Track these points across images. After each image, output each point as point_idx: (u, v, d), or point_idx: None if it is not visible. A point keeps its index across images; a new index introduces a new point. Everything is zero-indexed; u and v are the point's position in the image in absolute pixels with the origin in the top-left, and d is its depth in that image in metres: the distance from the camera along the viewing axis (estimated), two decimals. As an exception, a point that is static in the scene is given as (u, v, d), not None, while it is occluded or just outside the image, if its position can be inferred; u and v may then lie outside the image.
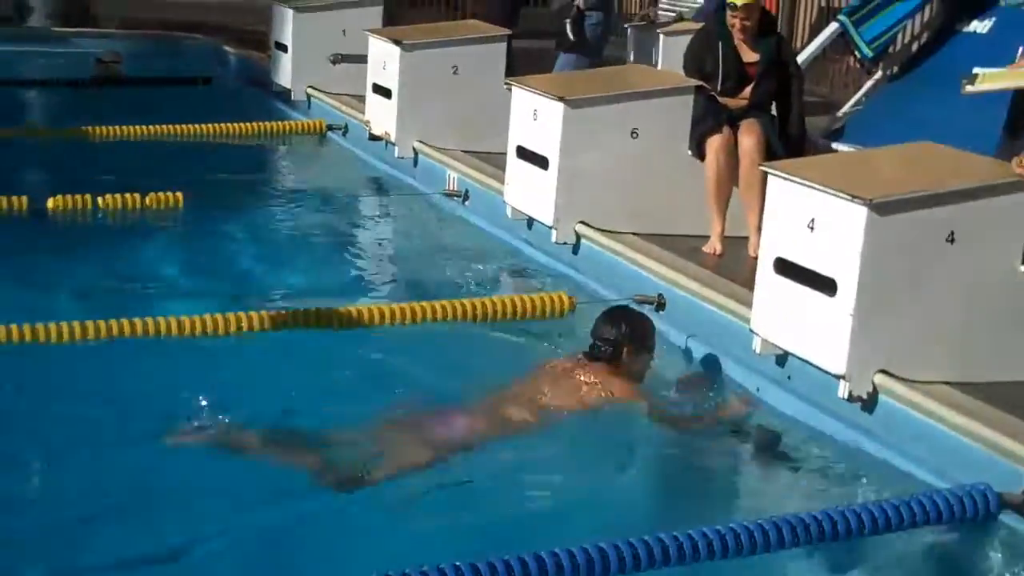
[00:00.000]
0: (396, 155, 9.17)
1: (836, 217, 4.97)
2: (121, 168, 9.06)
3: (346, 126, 10.29)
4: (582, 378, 5.17)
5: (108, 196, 7.93)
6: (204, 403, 4.90)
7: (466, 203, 8.38)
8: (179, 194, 8.08)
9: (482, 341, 6.11)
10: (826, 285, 5.01)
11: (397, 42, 9.07)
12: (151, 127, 10.05)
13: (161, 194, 8.03)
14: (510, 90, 7.54)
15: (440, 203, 8.57)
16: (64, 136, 10.03)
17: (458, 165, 8.59)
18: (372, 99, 9.45)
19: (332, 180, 9.58)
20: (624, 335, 5.27)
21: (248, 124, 10.37)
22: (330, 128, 10.44)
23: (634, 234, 6.90)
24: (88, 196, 7.89)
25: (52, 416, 5.05)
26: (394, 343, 6.01)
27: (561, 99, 6.98)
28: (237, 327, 5.92)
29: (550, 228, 7.08)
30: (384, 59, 9.22)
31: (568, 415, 5.05)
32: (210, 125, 10.23)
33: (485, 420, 4.94)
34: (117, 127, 9.99)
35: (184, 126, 10.14)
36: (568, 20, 9.17)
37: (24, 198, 7.81)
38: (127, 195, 7.97)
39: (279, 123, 10.61)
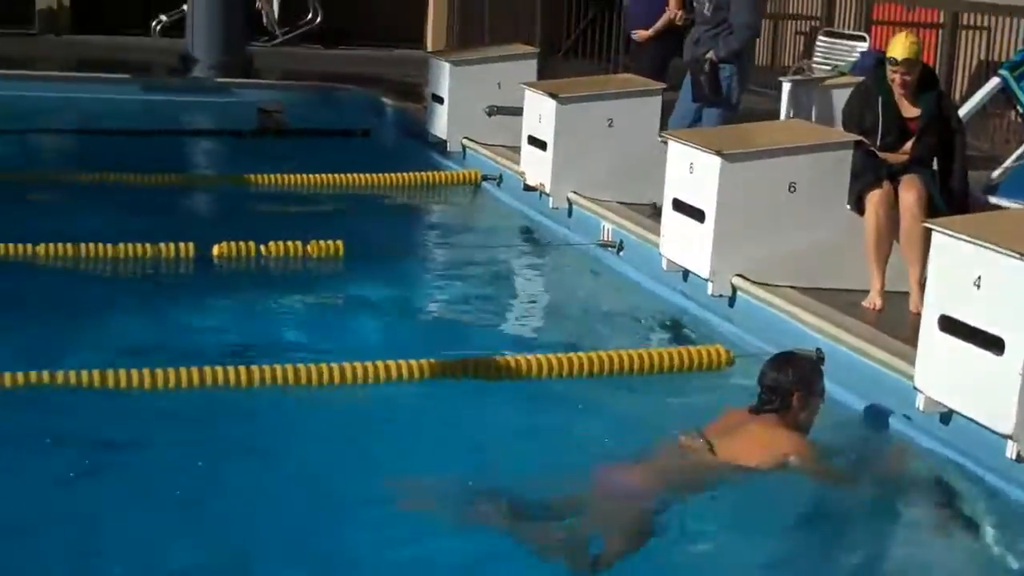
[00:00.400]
0: (551, 205, 9.27)
1: (1004, 275, 4.91)
2: (283, 216, 9.32)
3: (501, 176, 10.42)
4: (751, 433, 5.14)
5: (271, 243, 8.13)
6: (391, 456, 4.95)
7: (621, 254, 8.42)
8: (339, 242, 8.24)
9: (640, 393, 6.14)
10: (993, 343, 4.94)
11: (553, 95, 9.19)
12: (311, 176, 10.31)
13: (322, 242, 8.20)
14: (665, 143, 7.58)
15: (595, 254, 8.63)
16: (228, 184, 10.35)
17: (613, 216, 8.64)
18: (527, 150, 9.58)
19: (487, 230, 9.70)
20: (792, 381, 5.21)
21: (405, 174, 10.57)
22: (485, 178, 10.58)
23: (792, 287, 6.87)
24: (252, 243, 8.10)
25: (238, 467, 5.17)
26: (552, 395, 6.07)
27: (718, 153, 6.99)
28: (398, 375, 6.04)
29: (706, 281, 7.08)
30: (540, 112, 9.35)
31: (739, 472, 5.01)
32: (368, 175, 10.45)
33: (660, 478, 4.93)
34: (279, 176, 10.27)
35: (343, 176, 10.37)
36: (701, 73, 9.17)
37: (191, 244, 8.05)
38: (290, 243, 8.16)
39: (435, 173, 10.78)
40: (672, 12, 11.29)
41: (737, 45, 8.83)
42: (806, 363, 5.40)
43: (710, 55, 8.84)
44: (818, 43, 12.73)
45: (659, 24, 11.31)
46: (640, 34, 11.52)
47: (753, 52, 10.45)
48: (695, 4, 9.66)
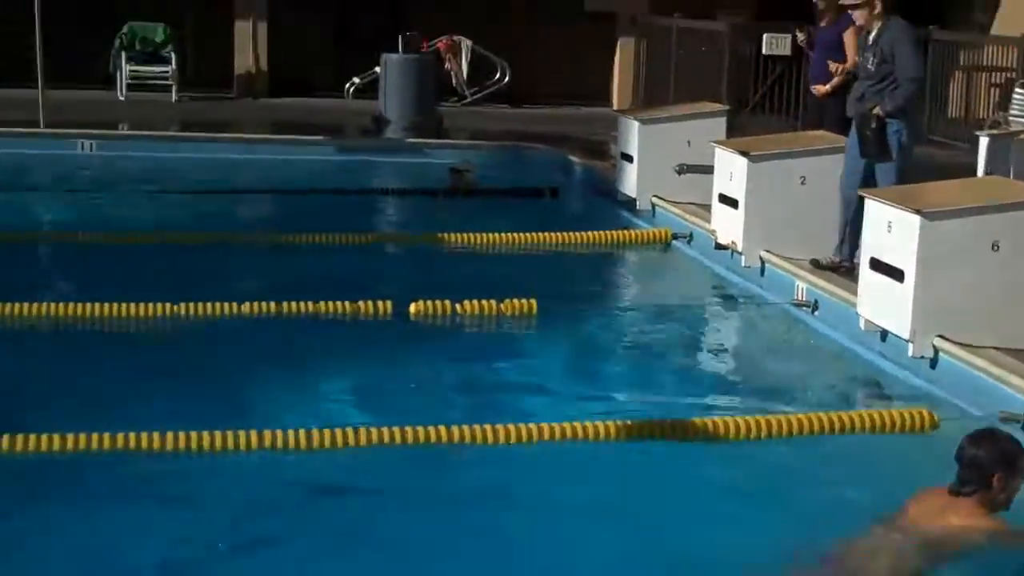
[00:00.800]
0: (743, 264, 9.22)
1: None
2: (476, 274, 9.45)
3: (691, 235, 10.40)
4: (951, 518, 4.97)
5: (466, 302, 8.25)
6: (588, 515, 4.95)
7: (815, 313, 8.32)
8: (532, 301, 8.32)
9: (840, 457, 6.03)
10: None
11: (744, 153, 9.16)
12: (503, 235, 10.43)
13: (516, 301, 8.29)
14: (862, 201, 7.49)
15: (789, 313, 8.54)
16: (422, 243, 10.54)
17: (807, 275, 8.55)
18: (718, 209, 9.55)
19: (677, 288, 9.69)
20: (993, 460, 5.02)
21: (594, 233, 10.62)
22: (675, 236, 10.56)
23: (997, 349, 6.70)
24: (447, 302, 8.23)
25: (443, 527, 5.24)
26: (748, 457, 6.02)
27: (918, 212, 6.88)
28: (594, 435, 6.06)
29: (906, 341, 6.95)
30: (731, 169, 9.32)
31: (939, 557, 4.88)
32: (558, 234, 10.53)
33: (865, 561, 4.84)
34: (471, 234, 10.41)
35: (533, 234, 10.47)
36: (868, 129, 9.03)
37: (388, 302, 8.22)
38: (484, 301, 8.27)
39: (625, 232, 10.81)
40: (851, 66, 11.16)
41: (903, 100, 8.69)
42: (1008, 441, 5.19)
43: (876, 111, 8.74)
44: (1015, 95, 12.45)
45: (836, 79, 11.20)
46: (818, 89, 11.41)
47: (921, 105, 10.26)
48: (859, 59, 9.54)
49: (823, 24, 11.48)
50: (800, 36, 12.23)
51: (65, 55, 17.96)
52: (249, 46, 19.70)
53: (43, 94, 14.70)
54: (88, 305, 7.94)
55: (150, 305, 7.95)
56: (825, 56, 11.35)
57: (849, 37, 11.06)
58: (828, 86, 11.23)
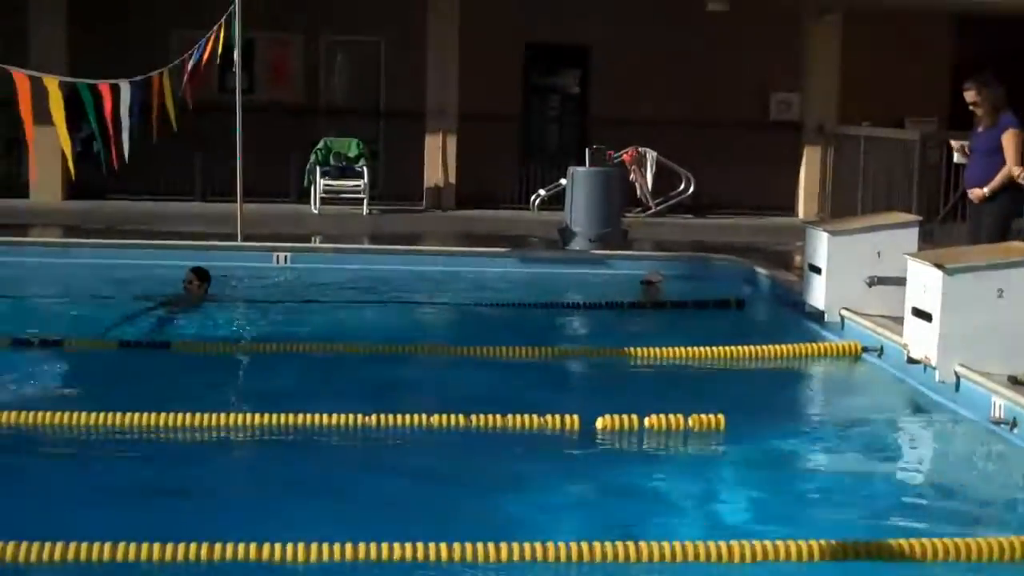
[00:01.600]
0: (936, 379, 8.99)
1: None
2: (662, 388, 9.41)
3: (882, 348, 10.19)
4: None
5: (653, 417, 8.21)
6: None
7: (1014, 431, 8.05)
8: (720, 416, 8.25)
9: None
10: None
11: (939, 266, 8.97)
12: (689, 349, 10.37)
13: (704, 416, 8.22)
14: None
15: (986, 431, 8.28)
16: (608, 356, 10.54)
17: (1005, 391, 8.28)
18: (911, 322, 9.35)
19: (868, 404, 9.50)
20: None
21: (782, 346, 10.50)
22: (865, 350, 10.37)
23: None
24: (634, 416, 8.20)
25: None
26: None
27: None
28: (785, 555, 5.95)
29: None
30: (924, 282, 9.12)
31: None
32: (745, 347, 10.43)
33: None
34: (657, 348, 10.38)
35: (720, 348, 10.39)
36: None
37: (575, 417, 8.23)
38: (671, 416, 8.22)
39: (813, 345, 10.65)
40: (1011, 168, 10.90)
41: None
42: None
43: None
44: None
45: (995, 182, 10.93)
46: (975, 193, 11.15)
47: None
48: None
49: (980, 129, 11.29)
50: (956, 156, 11.98)
51: (263, 171, 18.69)
52: (438, 160, 20.19)
53: (241, 208, 15.26)
54: (277, 415, 8.11)
55: (340, 416, 8.09)
56: (982, 160, 11.15)
57: (1008, 140, 10.87)
58: (986, 189, 11.02)
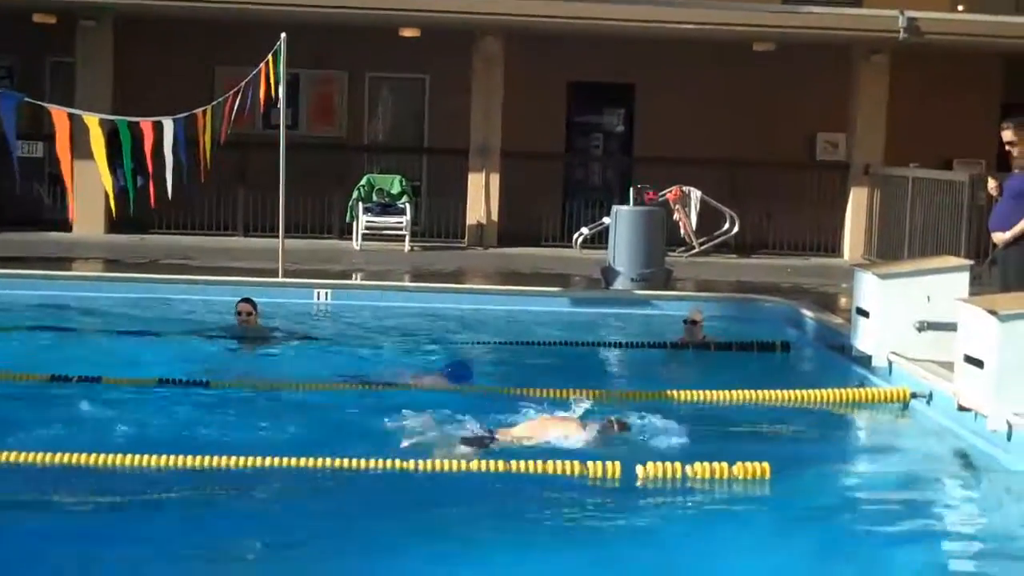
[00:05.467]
0: (988, 428, 8.76)
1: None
2: (706, 434, 9.21)
3: (931, 394, 9.96)
4: None
5: (697, 465, 8.01)
6: None
7: (1069, 483, 7.84)
8: (765, 465, 8.04)
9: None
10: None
11: (991, 312, 8.76)
12: (733, 392, 10.18)
13: (748, 464, 8.02)
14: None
15: (1039, 481, 8.07)
16: (650, 399, 10.33)
17: (1059, 442, 8.08)
18: (962, 368, 9.12)
19: (917, 452, 9.26)
20: None
21: (829, 391, 10.28)
22: (914, 396, 10.13)
23: None
24: (678, 464, 8.01)
25: None
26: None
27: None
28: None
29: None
30: (976, 328, 8.91)
31: None
32: (791, 391, 10.23)
33: None
34: (701, 392, 10.19)
35: (765, 392, 10.19)
36: None
37: (617, 464, 8.04)
38: (715, 464, 8.03)
39: (861, 390, 10.43)
40: None
41: None
42: None
43: None
44: None
45: (1017, 228, 10.69)
46: (998, 237, 10.92)
47: None
48: None
49: (1016, 171, 11.02)
50: (989, 189, 11.70)
51: (306, 207, 18.68)
52: (481, 197, 20.12)
53: (283, 244, 15.22)
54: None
55: (381, 461, 7.96)
56: (1010, 203, 10.88)
57: None
58: (1009, 234, 10.77)
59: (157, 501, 7.42)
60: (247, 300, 12.20)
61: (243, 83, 14.60)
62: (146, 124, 12.43)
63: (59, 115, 11.30)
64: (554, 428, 8.72)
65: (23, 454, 7.83)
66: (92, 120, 11.93)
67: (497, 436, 8.62)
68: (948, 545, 7.42)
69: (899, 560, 7.01)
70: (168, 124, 12.87)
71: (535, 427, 8.80)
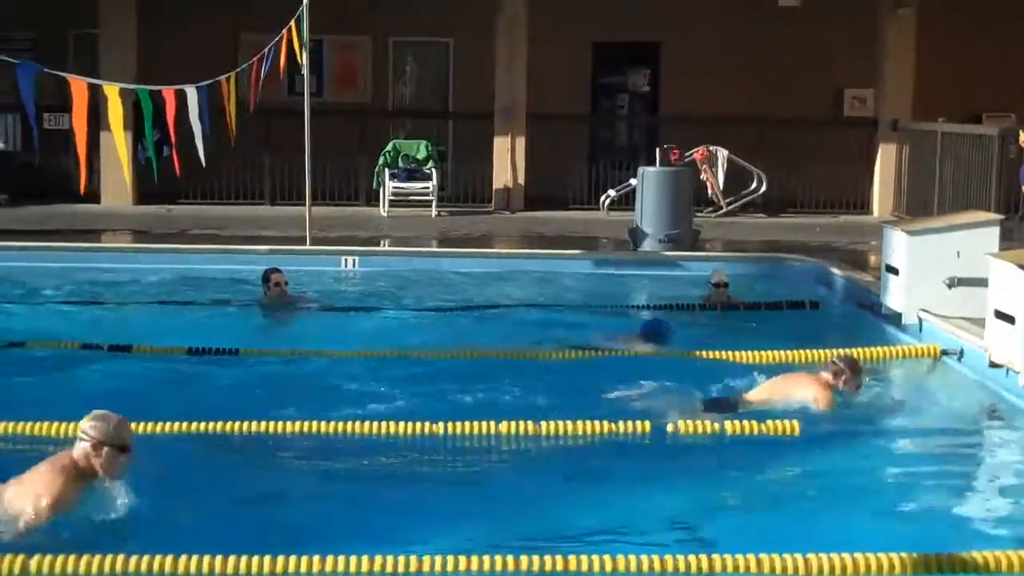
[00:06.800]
0: (1020, 384, 8.72)
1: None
2: (736, 393, 9.19)
3: (961, 351, 9.90)
4: None
5: (727, 422, 8.05)
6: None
7: (1102, 438, 7.80)
8: (795, 422, 8.06)
9: None
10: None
11: (1022, 267, 8.70)
12: (762, 352, 10.12)
13: (778, 421, 8.05)
14: None
15: (1071, 437, 8.03)
16: (679, 358, 10.30)
17: (1091, 396, 8.04)
18: (993, 324, 9.08)
19: (948, 409, 9.25)
20: None
21: (858, 349, 10.19)
22: (944, 353, 10.08)
23: None
24: (707, 422, 8.06)
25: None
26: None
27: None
28: (866, 569, 5.76)
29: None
30: (1008, 283, 8.86)
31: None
32: (820, 351, 10.14)
33: None
34: (729, 352, 10.14)
35: (794, 352, 10.13)
36: None
37: (647, 422, 8.07)
38: (745, 422, 8.04)
39: (891, 348, 10.38)
40: None
41: None
42: None
43: None
44: None
45: None
46: None
47: None
48: None
49: None
50: (1022, 139, 11.60)
51: (331, 174, 18.68)
52: (507, 161, 20.07)
53: (310, 212, 15.23)
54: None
55: (413, 424, 7.99)
56: None
57: None
58: None
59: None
60: (277, 270, 12.20)
61: (266, 49, 14.58)
62: (168, 92, 12.41)
63: (77, 85, 11.27)
64: (798, 388, 8.64)
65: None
66: (112, 89, 11.91)
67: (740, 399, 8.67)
68: (979, 500, 7.42)
69: (930, 514, 7.00)
70: (192, 92, 12.84)
71: (776, 387, 8.72)
